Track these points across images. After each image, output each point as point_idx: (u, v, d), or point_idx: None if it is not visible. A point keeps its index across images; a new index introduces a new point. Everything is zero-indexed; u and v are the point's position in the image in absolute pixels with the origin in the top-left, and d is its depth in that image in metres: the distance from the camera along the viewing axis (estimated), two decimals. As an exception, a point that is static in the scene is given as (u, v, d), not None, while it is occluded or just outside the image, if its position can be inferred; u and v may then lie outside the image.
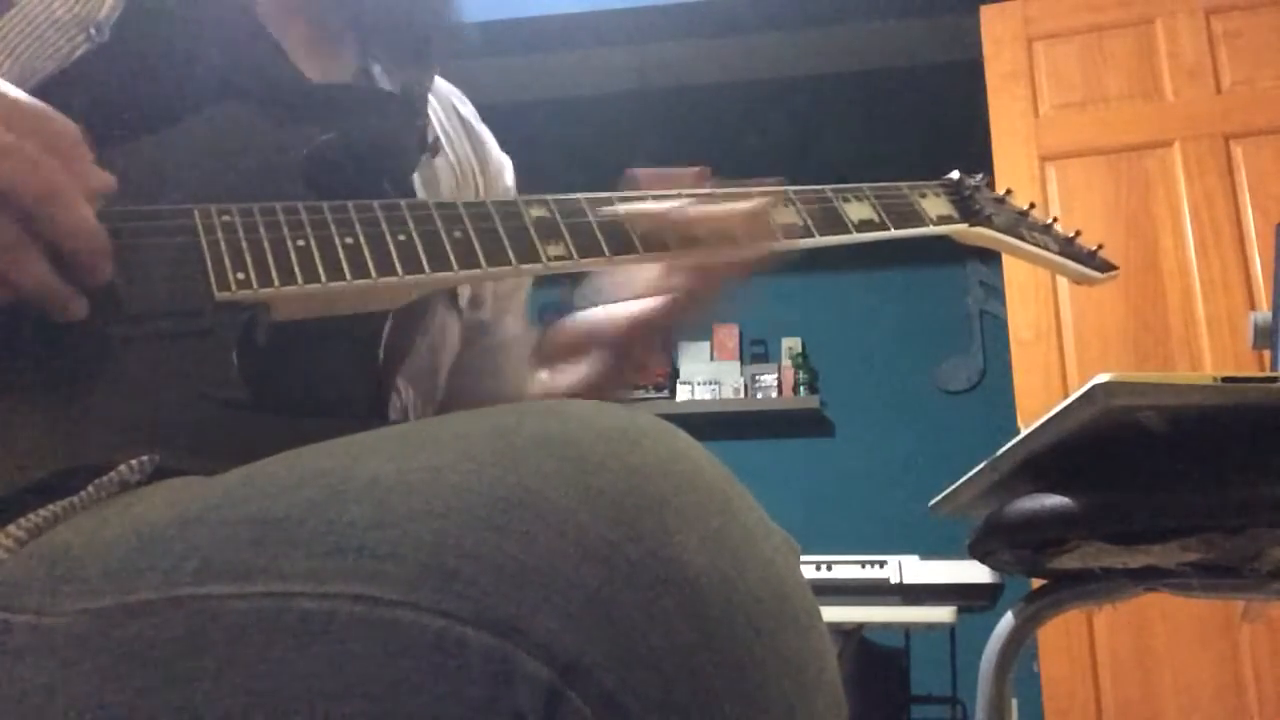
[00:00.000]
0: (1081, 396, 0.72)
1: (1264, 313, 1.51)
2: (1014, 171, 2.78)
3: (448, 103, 0.96)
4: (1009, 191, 0.99)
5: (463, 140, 0.94)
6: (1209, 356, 2.58)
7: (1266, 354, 1.65)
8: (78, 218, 0.55)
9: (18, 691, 0.39)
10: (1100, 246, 1.00)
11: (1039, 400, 2.61)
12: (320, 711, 0.34)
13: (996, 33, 2.96)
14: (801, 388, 3.66)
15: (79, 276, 0.56)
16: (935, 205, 0.91)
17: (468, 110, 0.98)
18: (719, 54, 3.67)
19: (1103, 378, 0.71)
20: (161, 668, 0.37)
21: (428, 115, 0.86)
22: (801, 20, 3.45)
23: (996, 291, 3.24)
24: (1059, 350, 2.70)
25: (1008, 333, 2.79)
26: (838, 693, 0.41)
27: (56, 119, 0.56)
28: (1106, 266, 1.00)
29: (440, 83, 0.94)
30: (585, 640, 0.34)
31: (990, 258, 3.07)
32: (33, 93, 0.65)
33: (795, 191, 0.82)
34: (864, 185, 0.85)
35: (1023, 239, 0.95)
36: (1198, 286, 2.63)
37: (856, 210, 0.81)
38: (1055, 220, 0.99)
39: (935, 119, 3.43)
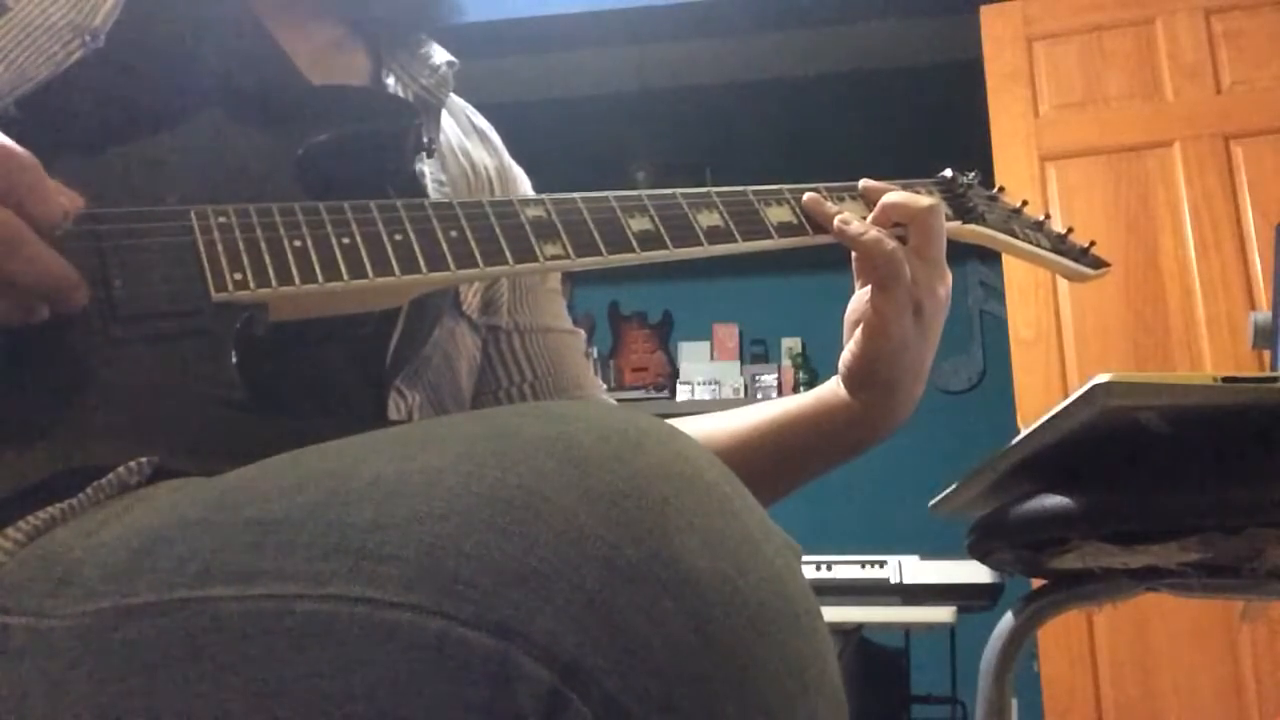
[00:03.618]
0: (1081, 396, 0.72)
1: (1264, 313, 1.51)
2: (1014, 172, 2.78)
3: (461, 115, 0.96)
4: (1001, 188, 1.00)
5: (479, 149, 0.94)
6: (1209, 356, 2.58)
7: (1266, 354, 1.65)
8: (38, 268, 0.53)
9: (18, 694, 0.39)
10: (1092, 243, 1.00)
11: (1039, 400, 2.61)
12: (320, 713, 0.34)
13: (996, 33, 2.95)
14: (801, 388, 3.66)
15: (53, 310, 0.55)
16: None
17: (482, 122, 0.98)
18: (719, 54, 3.67)
19: (1103, 378, 0.71)
20: (161, 670, 0.37)
21: (424, 117, 0.87)
22: (801, 20, 3.45)
23: (996, 291, 3.24)
24: (1059, 350, 2.70)
25: (1008, 333, 2.79)
26: (839, 694, 0.41)
27: (6, 151, 0.54)
28: (1099, 263, 1.00)
29: (454, 97, 0.94)
30: (586, 642, 0.34)
31: (990, 257, 3.07)
32: (27, 97, 0.65)
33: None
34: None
35: (1015, 236, 0.95)
36: (1198, 286, 2.63)
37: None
38: (1048, 217, 1.00)
39: (935, 119, 3.43)
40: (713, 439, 0.87)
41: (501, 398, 0.90)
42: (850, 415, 0.84)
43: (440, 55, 0.89)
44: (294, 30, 0.80)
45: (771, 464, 0.86)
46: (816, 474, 0.88)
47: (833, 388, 0.85)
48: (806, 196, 0.83)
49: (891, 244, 0.79)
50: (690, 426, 0.90)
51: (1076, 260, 0.98)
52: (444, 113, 0.90)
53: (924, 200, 0.83)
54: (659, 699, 0.34)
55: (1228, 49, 2.77)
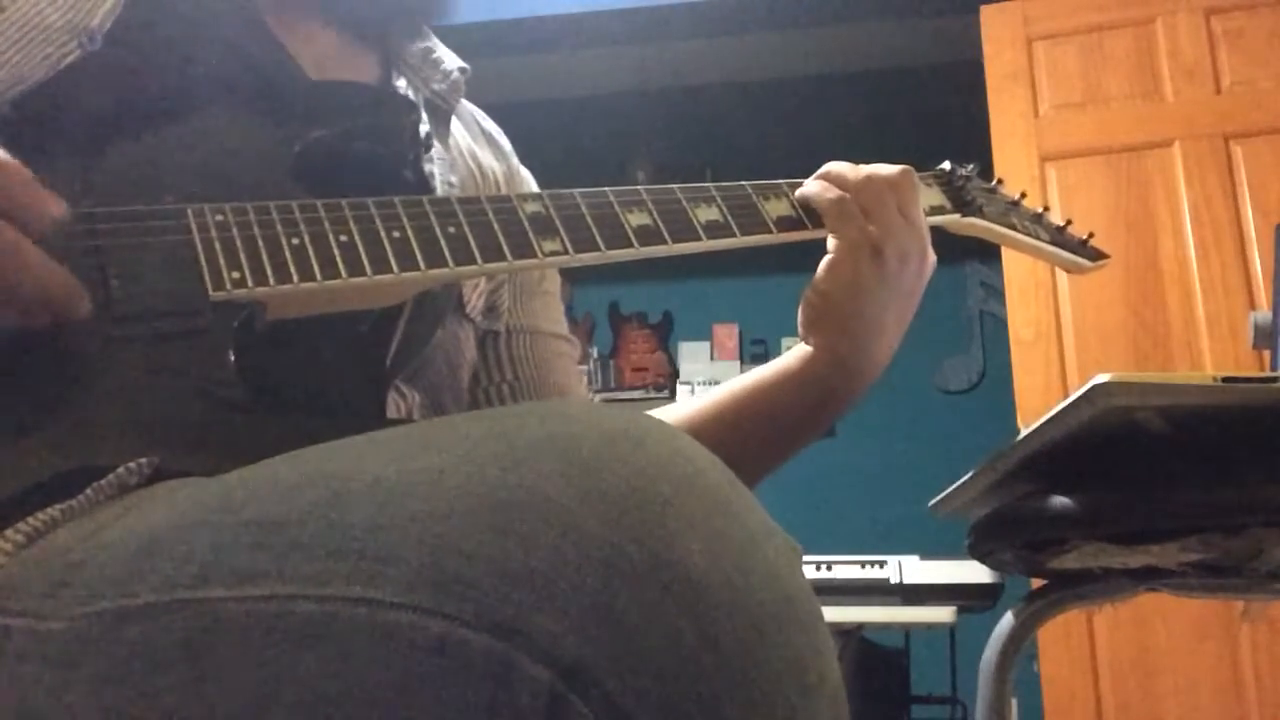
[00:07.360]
0: (1081, 396, 0.72)
1: (1264, 313, 1.50)
2: (1014, 172, 2.78)
3: (470, 119, 0.96)
4: (1000, 181, 1.00)
5: (487, 154, 0.94)
6: (1209, 356, 2.58)
7: (1266, 354, 1.65)
8: (39, 278, 0.53)
9: (17, 696, 0.39)
10: (1091, 235, 1.00)
11: (1039, 400, 2.61)
12: (321, 715, 0.34)
13: (996, 33, 2.95)
14: (801, 388, 3.65)
15: (54, 319, 0.55)
16: (926, 196, 0.91)
17: (491, 125, 0.98)
18: (719, 54, 3.66)
19: (1102, 378, 0.71)
20: (162, 671, 0.37)
21: (426, 116, 0.86)
22: (801, 20, 3.45)
23: (996, 291, 3.25)
24: (1059, 350, 2.70)
25: (1008, 333, 2.79)
26: (839, 695, 0.41)
27: None
28: (1098, 255, 1.00)
29: (464, 101, 0.94)
30: (587, 642, 0.34)
31: (991, 258, 3.07)
32: (22, 98, 0.65)
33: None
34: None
35: (1014, 228, 0.95)
36: (1198, 286, 2.63)
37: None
38: (1046, 209, 1.00)
39: (935, 119, 3.43)
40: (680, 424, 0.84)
41: (479, 396, 0.88)
42: (810, 368, 0.82)
43: (453, 61, 0.89)
44: (299, 34, 0.80)
45: (741, 437, 0.83)
46: (787, 447, 0.84)
47: (791, 352, 0.85)
48: (799, 193, 0.84)
49: (836, 192, 0.82)
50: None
51: (1075, 252, 0.98)
52: (453, 117, 0.90)
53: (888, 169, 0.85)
54: (659, 700, 0.34)
55: (1228, 49, 2.77)
